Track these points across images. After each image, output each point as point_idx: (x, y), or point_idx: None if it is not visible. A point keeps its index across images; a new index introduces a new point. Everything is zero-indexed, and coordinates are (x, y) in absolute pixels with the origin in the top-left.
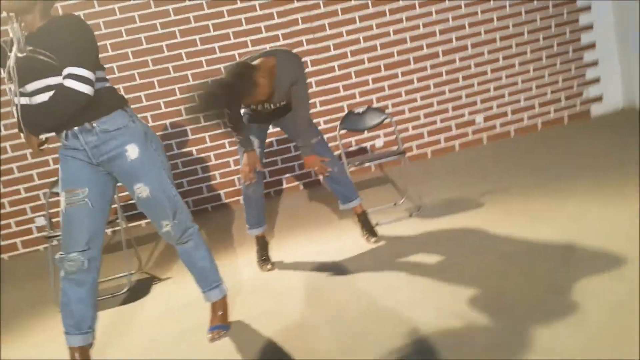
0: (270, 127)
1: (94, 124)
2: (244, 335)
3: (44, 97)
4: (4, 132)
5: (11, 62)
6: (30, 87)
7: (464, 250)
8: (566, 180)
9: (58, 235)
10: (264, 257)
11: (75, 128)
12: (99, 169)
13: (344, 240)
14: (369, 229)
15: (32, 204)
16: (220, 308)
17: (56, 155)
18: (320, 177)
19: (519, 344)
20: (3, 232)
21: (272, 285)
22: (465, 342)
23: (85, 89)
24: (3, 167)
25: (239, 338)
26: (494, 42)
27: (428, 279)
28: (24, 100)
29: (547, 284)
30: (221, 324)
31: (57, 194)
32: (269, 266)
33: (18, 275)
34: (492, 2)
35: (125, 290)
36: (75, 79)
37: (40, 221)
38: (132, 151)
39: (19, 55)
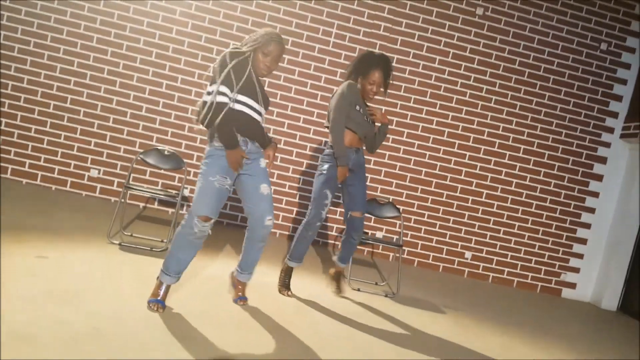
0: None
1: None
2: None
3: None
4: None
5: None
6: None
7: (406, 335)
8: (508, 326)
9: (133, 188)
10: (286, 284)
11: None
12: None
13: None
14: (338, 285)
15: (94, 157)
16: (244, 286)
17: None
18: (342, 236)
19: None
20: (59, 167)
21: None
22: None
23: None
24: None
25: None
26: (506, 201)
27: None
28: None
29: None
30: (244, 296)
31: (143, 161)
32: (289, 292)
33: (67, 207)
34: (516, 169)
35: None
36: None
37: (94, 173)
38: (263, 162)
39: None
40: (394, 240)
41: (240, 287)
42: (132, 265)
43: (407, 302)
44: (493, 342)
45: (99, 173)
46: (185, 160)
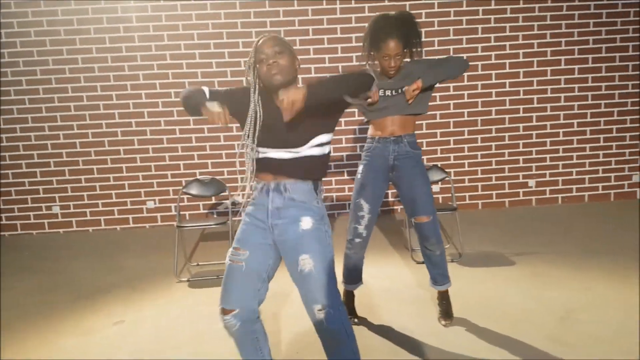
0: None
1: (287, 186)
2: None
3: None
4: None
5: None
6: None
7: (480, 301)
8: (593, 254)
9: (185, 227)
10: (350, 309)
11: (272, 184)
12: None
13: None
14: (445, 310)
15: (146, 189)
16: None
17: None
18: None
19: None
20: (118, 208)
21: None
22: None
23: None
24: (125, 156)
25: None
26: (558, 118)
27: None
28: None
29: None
30: None
31: (187, 193)
32: (355, 319)
33: (134, 247)
34: (562, 84)
35: None
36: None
37: (151, 204)
38: (306, 222)
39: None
40: (450, 201)
41: None
42: (206, 304)
43: (475, 262)
44: (571, 287)
45: (155, 203)
46: (227, 170)
